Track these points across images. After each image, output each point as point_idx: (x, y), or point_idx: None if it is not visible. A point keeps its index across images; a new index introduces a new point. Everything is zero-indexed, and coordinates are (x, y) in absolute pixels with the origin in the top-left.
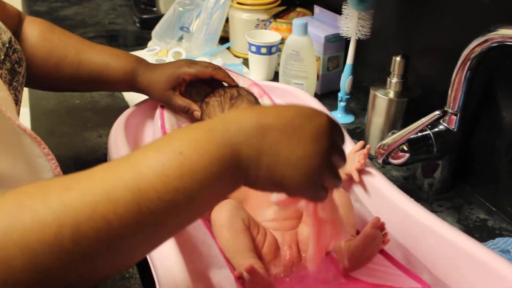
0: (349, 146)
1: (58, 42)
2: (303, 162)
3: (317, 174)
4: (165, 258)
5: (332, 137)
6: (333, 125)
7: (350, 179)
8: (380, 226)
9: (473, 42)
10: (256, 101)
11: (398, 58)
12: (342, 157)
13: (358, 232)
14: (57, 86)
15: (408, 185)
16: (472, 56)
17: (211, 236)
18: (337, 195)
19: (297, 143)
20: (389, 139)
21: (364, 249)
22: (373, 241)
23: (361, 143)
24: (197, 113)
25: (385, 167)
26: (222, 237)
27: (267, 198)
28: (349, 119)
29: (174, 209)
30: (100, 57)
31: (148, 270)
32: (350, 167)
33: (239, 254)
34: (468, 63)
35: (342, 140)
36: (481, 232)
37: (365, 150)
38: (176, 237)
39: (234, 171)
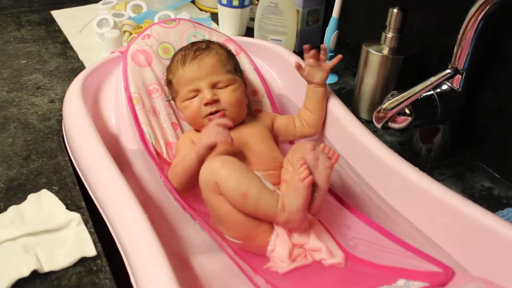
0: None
1: None
2: None
3: None
4: (140, 246)
5: None
6: None
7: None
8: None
9: None
10: (228, 56)
11: (395, 10)
12: None
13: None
14: None
15: (404, 151)
16: (486, 8)
17: (193, 218)
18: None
19: None
20: (390, 102)
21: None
22: (317, 162)
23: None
24: None
25: (377, 131)
26: (227, 183)
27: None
28: (333, 79)
29: None
30: None
31: (120, 261)
32: (321, 75)
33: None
34: (480, 16)
35: None
36: (488, 202)
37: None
38: (152, 222)
39: None
